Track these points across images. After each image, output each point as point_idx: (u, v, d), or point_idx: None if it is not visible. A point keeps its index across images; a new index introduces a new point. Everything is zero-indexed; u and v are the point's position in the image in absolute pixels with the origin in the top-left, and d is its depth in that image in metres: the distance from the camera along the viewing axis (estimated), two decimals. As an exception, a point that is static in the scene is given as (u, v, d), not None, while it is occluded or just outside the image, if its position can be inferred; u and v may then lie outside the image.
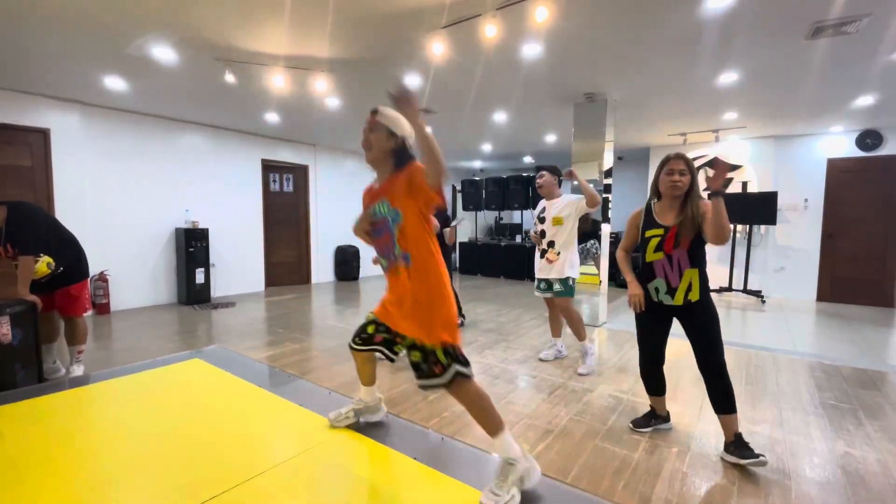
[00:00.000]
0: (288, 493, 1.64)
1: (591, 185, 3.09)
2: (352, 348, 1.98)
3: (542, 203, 3.34)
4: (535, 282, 3.38)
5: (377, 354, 1.96)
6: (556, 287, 3.21)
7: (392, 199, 1.69)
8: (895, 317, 5.30)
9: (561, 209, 3.18)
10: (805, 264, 6.33)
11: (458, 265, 9.41)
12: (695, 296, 2.03)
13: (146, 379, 2.78)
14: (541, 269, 3.28)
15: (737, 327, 4.69)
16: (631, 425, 2.31)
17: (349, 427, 2.14)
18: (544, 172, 3.27)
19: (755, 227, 6.40)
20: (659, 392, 2.28)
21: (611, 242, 4.85)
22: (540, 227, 3.28)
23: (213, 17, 2.83)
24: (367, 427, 2.17)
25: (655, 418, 2.32)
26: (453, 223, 4.47)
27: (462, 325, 4.61)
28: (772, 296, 6.44)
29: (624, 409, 2.57)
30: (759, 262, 6.50)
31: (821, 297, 6.26)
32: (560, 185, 3.32)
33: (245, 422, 2.21)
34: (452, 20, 2.85)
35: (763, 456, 1.91)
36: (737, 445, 1.99)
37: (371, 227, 1.79)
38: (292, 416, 2.29)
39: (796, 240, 6.38)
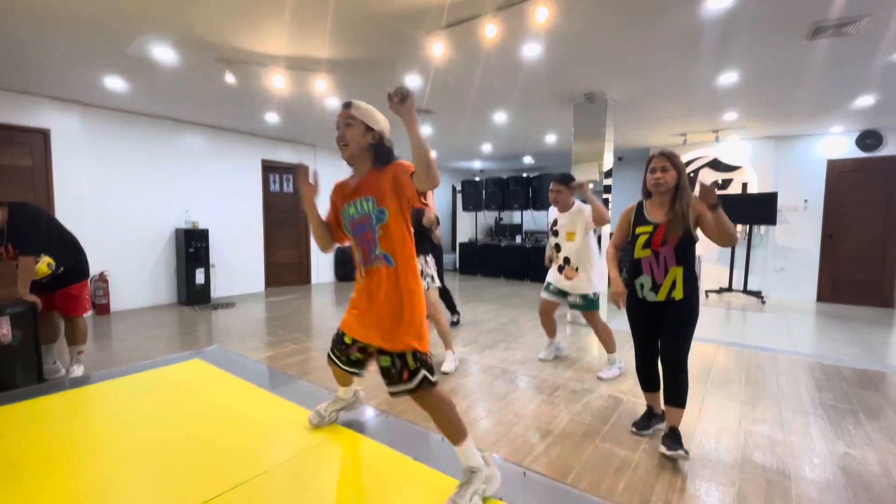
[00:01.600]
0: (288, 493, 1.64)
1: (600, 203, 2.95)
2: (331, 362, 1.90)
3: (554, 213, 3.22)
4: (545, 283, 3.31)
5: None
6: (578, 302, 3.17)
7: (378, 197, 1.63)
8: (895, 317, 5.30)
9: (571, 222, 3.09)
10: (805, 265, 6.33)
11: (457, 265, 9.42)
12: (678, 294, 2.04)
13: (146, 379, 2.78)
14: (558, 280, 3.21)
15: (737, 328, 4.69)
16: (633, 429, 2.29)
17: (350, 427, 2.14)
18: (560, 187, 3.09)
19: (755, 228, 6.40)
20: (653, 388, 2.28)
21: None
22: (554, 240, 3.21)
23: (213, 17, 2.83)
24: (366, 427, 2.17)
25: (654, 417, 2.32)
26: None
27: (458, 323, 4.61)
28: (772, 296, 6.44)
29: (624, 409, 2.57)
30: (759, 263, 6.50)
31: (821, 297, 6.26)
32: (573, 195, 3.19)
33: (245, 422, 2.21)
34: (452, 21, 2.85)
35: (684, 453, 1.96)
36: (669, 437, 2.05)
37: (350, 225, 1.71)
38: (292, 417, 2.29)
39: (796, 240, 6.38)
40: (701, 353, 3.68)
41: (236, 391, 2.61)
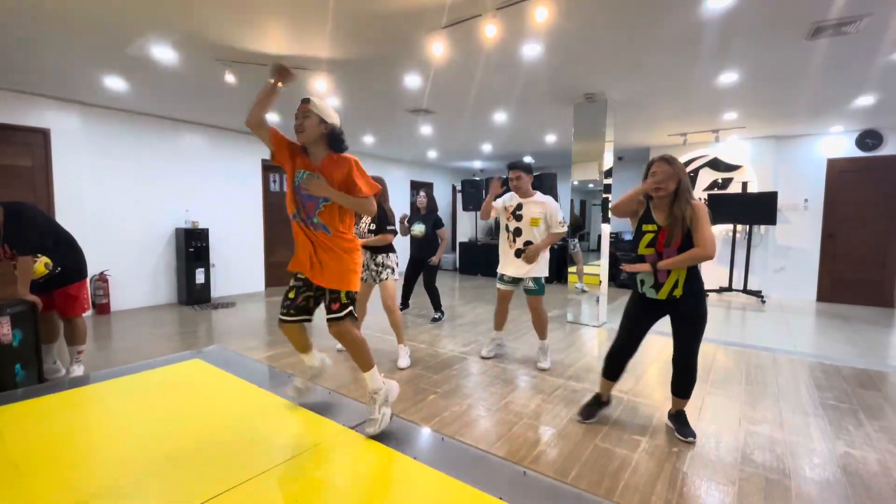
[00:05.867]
0: (288, 494, 1.64)
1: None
2: (282, 321, 2.17)
3: (515, 198, 3.25)
4: (499, 275, 3.35)
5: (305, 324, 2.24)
6: (531, 286, 3.22)
7: (328, 181, 1.99)
8: (895, 317, 5.30)
9: (538, 211, 3.16)
10: (805, 264, 6.33)
11: (458, 265, 9.41)
12: (678, 292, 2.11)
13: (146, 379, 2.78)
14: (515, 266, 3.24)
15: (737, 327, 4.69)
16: (578, 418, 2.38)
17: (349, 427, 2.14)
18: (521, 174, 3.18)
19: (755, 228, 6.40)
20: (614, 378, 2.36)
21: (610, 242, 4.85)
22: (515, 224, 3.22)
23: (213, 16, 2.83)
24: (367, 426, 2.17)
25: (601, 405, 2.41)
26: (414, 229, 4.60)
27: (440, 320, 4.76)
28: (772, 296, 6.44)
29: (624, 408, 2.57)
30: (759, 263, 6.50)
31: (821, 297, 6.26)
32: (532, 184, 3.27)
33: (245, 422, 2.21)
34: (452, 20, 2.85)
35: (693, 438, 2.17)
36: (678, 419, 2.28)
37: (301, 186, 2.02)
38: (292, 416, 2.29)
39: (796, 240, 6.38)
40: (701, 353, 3.63)
41: (236, 391, 2.61)
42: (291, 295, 2.16)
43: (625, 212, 2.25)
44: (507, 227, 3.29)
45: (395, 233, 3.32)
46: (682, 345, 2.18)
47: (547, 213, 3.16)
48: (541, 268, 3.22)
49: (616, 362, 2.34)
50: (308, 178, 1.99)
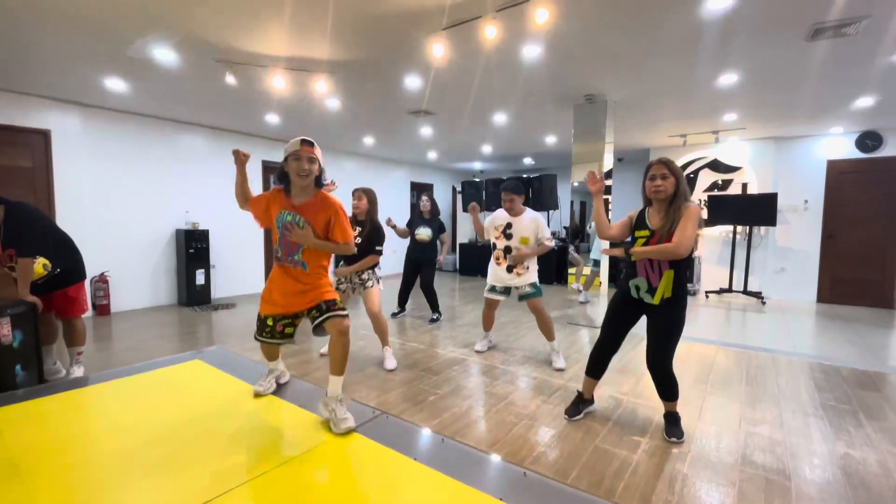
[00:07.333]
0: (288, 494, 1.64)
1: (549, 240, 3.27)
2: (261, 341, 2.28)
3: (504, 216, 3.34)
4: (489, 286, 3.45)
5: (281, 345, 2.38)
6: (527, 290, 3.32)
7: (313, 225, 2.09)
8: (895, 318, 5.30)
9: (525, 228, 3.27)
10: (805, 265, 6.33)
11: (458, 266, 9.42)
12: (668, 293, 2.15)
13: (146, 380, 2.78)
14: (505, 279, 3.35)
15: (737, 328, 4.69)
16: (565, 416, 2.43)
17: (350, 428, 2.14)
18: (514, 196, 3.26)
19: (755, 229, 6.40)
20: (597, 375, 2.43)
21: (610, 244, 4.85)
22: (505, 242, 3.32)
23: (213, 18, 2.84)
24: (366, 427, 2.17)
25: (583, 402, 2.47)
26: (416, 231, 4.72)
27: (437, 320, 4.83)
28: (772, 297, 6.44)
29: (624, 410, 2.57)
30: (759, 264, 6.50)
31: (821, 298, 6.26)
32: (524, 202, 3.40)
33: (245, 422, 2.21)
34: (453, 22, 2.86)
35: (676, 439, 2.19)
36: (668, 419, 2.29)
37: (283, 228, 2.11)
38: (292, 417, 2.29)
39: (796, 241, 6.39)
40: (701, 354, 3.68)
41: (236, 392, 2.61)
42: (270, 323, 2.21)
43: (620, 236, 2.33)
44: (495, 246, 3.39)
45: (380, 254, 3.37)
46: (654, 349, 2.19)
47: (536, 223, 3.27)
48: (532, 275, 3.33)
49: (599, 360, 2.40)
50: (293, 225, 2.08)
